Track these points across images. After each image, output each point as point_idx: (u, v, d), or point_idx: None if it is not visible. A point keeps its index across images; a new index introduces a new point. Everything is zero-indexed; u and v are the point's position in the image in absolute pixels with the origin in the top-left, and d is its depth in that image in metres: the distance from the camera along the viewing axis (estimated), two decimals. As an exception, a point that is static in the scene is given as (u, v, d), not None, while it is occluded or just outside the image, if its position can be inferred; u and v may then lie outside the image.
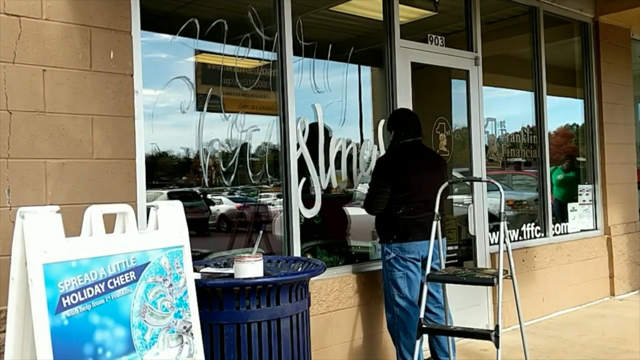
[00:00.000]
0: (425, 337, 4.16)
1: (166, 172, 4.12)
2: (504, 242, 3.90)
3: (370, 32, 5.22)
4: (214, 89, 4.08)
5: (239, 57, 4.18)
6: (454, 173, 5.70)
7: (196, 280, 2.70)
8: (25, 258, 2.10)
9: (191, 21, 3.94)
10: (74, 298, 2.16)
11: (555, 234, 6.38)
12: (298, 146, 4.29)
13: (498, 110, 6.09)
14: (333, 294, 4.30)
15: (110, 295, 2.27)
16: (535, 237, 6.19)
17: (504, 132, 6.15)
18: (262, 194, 4.42)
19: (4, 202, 2.91)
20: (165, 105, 3.91)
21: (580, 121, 7.07)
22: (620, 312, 6.19)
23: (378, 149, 4.81)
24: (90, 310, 2.20)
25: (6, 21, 2.95)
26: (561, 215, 6.61)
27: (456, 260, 5.42)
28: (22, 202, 2.88)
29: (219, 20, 4.07)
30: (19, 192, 2.94)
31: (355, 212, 4.89)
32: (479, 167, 5.57)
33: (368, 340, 4.50)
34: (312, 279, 3.48)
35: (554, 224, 6.39)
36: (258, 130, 4.26)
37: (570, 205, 6.70)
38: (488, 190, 5.54)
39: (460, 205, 5.70)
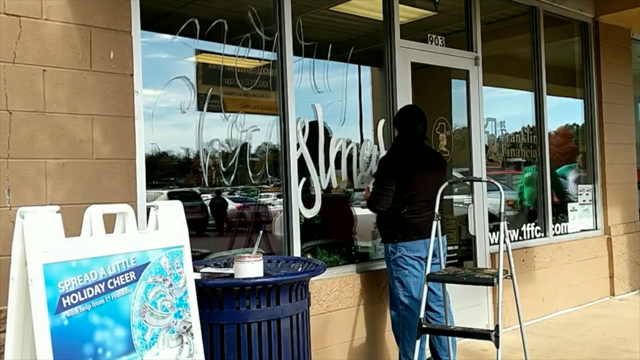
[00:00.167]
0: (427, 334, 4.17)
1: (166, 172, 4.11)
2: (504, 242, 3.91)
3: (370, 32, 5.22)
4: (214, 89, 4.08)
5: (239, 57, 4.18)
6: (454, 173, 5.70)
7: (196, 280, 2.70)
8: (25, 258, 2.10)
9: (191, 21, 3.94)
10: (74, 298, 2.16)
11: (555, 234, 6.38)
12: (298, 146, 4.29)
13: (498, 110, 6.09)
14: (333, 294, 4.30)
15: (110, 295, 2.28)
16: (535, 237, 6.20)
17: (504, 132, 6.15)
18: (262, 194, 4.42)
19: (4, 202, 2.91)
20: (165, 105, 3.91)
21: (580, 121, 7.07)
22: (620, 312, 6.19)
23: (378, 149, 4.81)
24: (90, 310, 2.20)
25: (6, 21, 2.95)
26: (529, 219, 6.37)
27: (456, 260, 5.42)
28: (22, 202, 2.88)
29: (219, 20, 4.07)
30: (19, 192, 2.94)
31: (355, 212, 4.89)
32: (479, 167, 5.57)
33: (368, 340, 4.50)
34: (312, 279, 3.47)
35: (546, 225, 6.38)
36: (258, 130, 4.26)
37: (570, 205, 6.70)
38: (488, 191, 5.54)
39: (460, 205, 5.70)
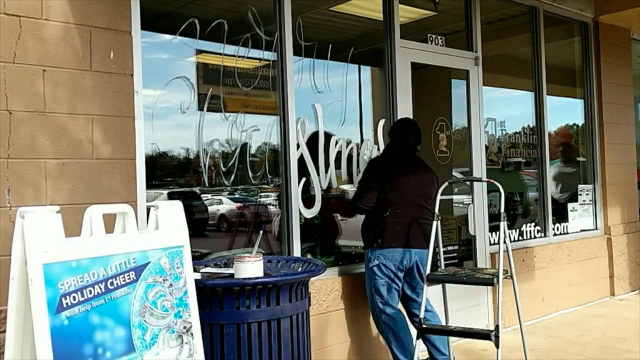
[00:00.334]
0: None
1: (166, 172, 4.11)
2: (504, 242, 3.91)
3: (370, 32, 5.22)
4: (214, 88, 4.08)
5: (239, 57, 4.18)
6: (454, 173, 5.70)
7: (196, 280, 2.70)
8: (25, 258, 2.10)
9: (191, 21, 3.94)
10: (74, 298, 2.16)
11: (555, 234, 6.38)
12: (298, 146, 4.29)
13: (498, 110, 6.09)
14: (333, 293, 4.30)
15: (110, 295, 2.28)
16: (535, 237, 6.19)
17: (504, 132, 6.15)
18: (262, 194, 4.42)
19: (4, 202, 2.91)
20: (165, 105, 3.91)
21: (580, 121, 7.07)
22: (620, 312, 6.19)
23: (378, 149, 4.81)
24: (90, 310, 2.20)
25: (6, 21, 2.95)
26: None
27: (456, 260, 5.42)
28: (22, 202, 2.88)
29: (219, 20, 4.07)
30: (19, 192, 2.94)
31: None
32: (479, 167, 5.57)
33: (368, 340, 4.50)
34: (312, 279, 3.48)
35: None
36: (258, 130, 4.26)
37: (570, 205, 6.69)
38: (488, 191, 5.54)
39: (460, 205, 5.70)
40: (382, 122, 4.85)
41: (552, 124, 6.59)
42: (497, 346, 3.64)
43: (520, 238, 6.07)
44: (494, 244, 5.53)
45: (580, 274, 6.43)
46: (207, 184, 4.07)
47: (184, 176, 4.25)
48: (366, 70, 5.16)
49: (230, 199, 4.48)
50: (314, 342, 3.59)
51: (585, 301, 6.46)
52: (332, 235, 4.82)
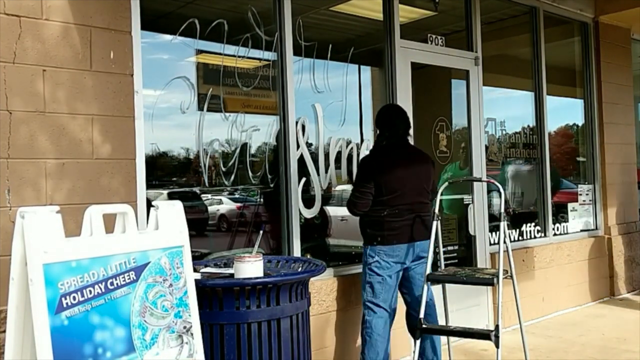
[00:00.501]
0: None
1: (166, 172, 4.12)
2: (504, 242, 3.91)
3: (370, 32, 5.22)
4: (214, 89, 4.08)
5: (239, 57, 4.18)
6: (454, 173, 5.70)
7: (196, 280, 2.70)
8: (25, 258, 2.10)
9: (191, 21, 3.94)
10: (74, 298, 2.16)
11: (555, 234, 6.38)
12: (298, 146, 4.29)
13: (498, 110, 6.09)
14: (333, 293, 4.30)
15: (110, 296, 2.27)
16: (535, 237, 6.19)
17: (504, 132, 6.15)
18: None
19: (4, 202, 2.91)
20: (165, 105, 3.91)
21: (580, 121, 7.07)
22: (620, 312, 6.19)
23: (378, 149, 4.80)
24: (90, 311, 2.20)
25: (6, 21, 2.95)
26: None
27: (456, 260, 5.42)
28: (22, 202, 2.88)
29: (219, 20, 4.07)
30: (19, 192, 2.94)
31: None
32: (479, 167, 5.57)
33: (368, 340, 4.50)
34: (312, 279, 3.48)
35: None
36: (258, 130, 4.26)
37: (570, 205, 6.69)
38: (488, 191, 5.54)
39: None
40: (382, 122, 4.84)
41: (552, 124, 6.59)
42: (497, 346, 3.64)
43: (520, 238, 6.07)
44: (494, 244, 5.53)
45: (580, 274, 6.43)
46: (207, 184, 4.07)
47: (184, 176, 4.25)
48: (366, 70, 5.16)
49: (230, 199, 4.48)
50: (314, 342, 3.59)
51: (585, 301, 6.47)
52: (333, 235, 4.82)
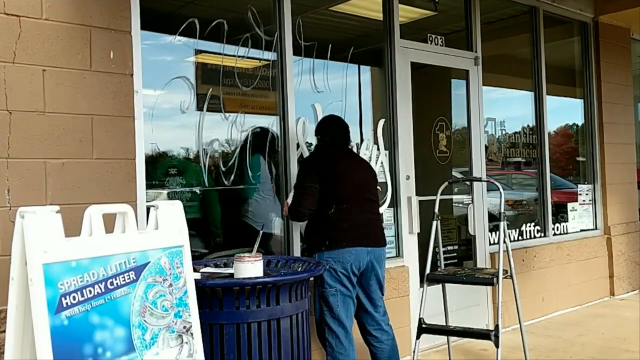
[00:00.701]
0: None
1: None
2: (504, 242, 3.91)
3: (370, 32, 5.22)
4: (214, 89, 4.08)
5: (239, 57, 4.18)
6: (454, 173, 5.70)
7: (196, 281, 2.70)
8: (26, 258, 2.10)
9: (191, 21, 3.94)
10: (74, 298, 2.16)
11: (555, 234, 6.38)
12: (298, 146, 4.29)
13: (498, 110, 6.09)
14: (333, 294, 4.29)
15: (111, 296, 2.27)
16: (535, 237, 6.20)
17: (504, 132, 6.15)
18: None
19: (4, 202, 2.91)
20: (165, 106, 3.92)
21: (580, 121, 7.07)
22: (620, 312, 6.19)
23: (378, 149, 4.81)
24: (91, 311, 2.20)
25: (6, 21, 2.95)
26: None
27: (456, 260, 5.43)
28: (22, 202, 2.88)
29: (219, 20, 4.07)
30: (19, 192, 2.94)
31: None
32: (479, 167, 5.57)
33: (368, 340, 4.49)
34: (312, 279, 3.48)
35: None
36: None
37: (570, 205, 6.70)
38: (488, 191, 5.55)
39: (460, 205, 5.70)
40: (382, 122, 4.85)
41: (552, 124, 6.60)
42: (497, 346, 3.65)
43: (520, 238, 6.07)
44: (494, 244, 5.53)
45: (580, 274, 6.43)
46: (207, 184, 4.07)
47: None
48: (366, 71, 5.16)
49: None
50: (314, 342, 3.58)
51: (585, 301, 6.47)
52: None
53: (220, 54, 4.11)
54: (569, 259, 6.33)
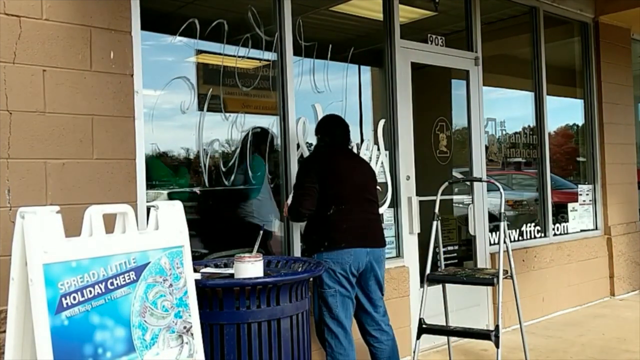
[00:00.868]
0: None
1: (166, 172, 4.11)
2: (504, 242, 3.91)
3: (370, 32, 5.22)
4: (214, 89, 4.08)
5: (239, 57, 4.18)
6: (454, 173, 5.71)
7: (196, 281, 2.70)
8: (25, 258, 2.10)
9: (191, 21, 3.94)
10: (74, 298, 2.16)
11: (555, 234, 6.38)
12: (298, 146, 4.29)
13: (498, 110, 6.09)
14: (333, 294, 4.29)
15: (111, 296, 2.27)
16: (535, 237, 6.20)
17: (504, 132, 6.15)
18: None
19: (4, 202, 2.91)
20: (165, 106, 3.92)
21: (580, 121, 7.07)
22: (620, 312, 6.19)
23: (378, 149, 4.81)
24: (91, 311, 2.20)
25: (6, 21, 2.95)
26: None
27: (456, 260, 5.43)
28: (22, 202, 2.88)
29: (219, 20, 4.07)
30: (19, 192, 2.94)
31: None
32: (479, 167, 5.57)
33: (368, 340, 4.49)
34: (312, 279, 3.48)
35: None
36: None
37: (570, 205, 6.70)
38: (488, 190, 5.55)
39: (460, 205, 5.71)
40: (382, 122, 4.85)
41: (552, 124, 6.60)
42: (497, 346, 3.65)
43: (520, 238, 6.07)
44: (494, 244, 5.53)
45: (581, 274, 6.43)
46: (207, 184, 4.07)
47: (184, 176, 4.24)
48: (366, 71, 5.16)
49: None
50: (314, 342, 3.58)
51: (585, 301, 6.47)
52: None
53: (220, 54, 4.11)
54: (569, 259, 6.33)
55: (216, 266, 3.48)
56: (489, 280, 3.85)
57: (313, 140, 4.26)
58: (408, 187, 4.89)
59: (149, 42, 3.74)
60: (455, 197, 5.69)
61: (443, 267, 4.40)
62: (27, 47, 3.01)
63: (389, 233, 4.70)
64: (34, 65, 3.02)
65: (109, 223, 2.39)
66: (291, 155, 4.23)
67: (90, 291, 2.21)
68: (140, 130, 3.44)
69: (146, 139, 3.53)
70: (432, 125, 5.44)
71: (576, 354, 4.85)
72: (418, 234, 4.88)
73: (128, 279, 2.34)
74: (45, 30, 3.06)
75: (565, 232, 6.55)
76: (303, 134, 4.34)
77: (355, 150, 4.68)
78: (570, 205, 6.70)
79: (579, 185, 6.88)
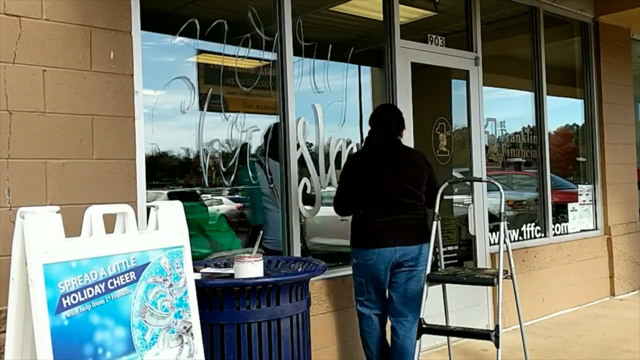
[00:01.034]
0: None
1: (166, 172, 4.12)
2: (504, 242, 3.91)
3: (370, 32, 5.22)
4: (214, 89, 4.08)
5: (239, 57, 4.18)
6: (454, 173, 5.70)
7: (196, 281, 2.70)
8: (25, 258, 2.10)
9: (191, 21, 3.94)
10: (74, 298, 2.16)
11: (555, 234, 6.38)
12: (298, 146, 4.29)
13: (498, 110, 6.09)
14: (333, 293, 4.30)
15: (111, 296, 2.28)
16: (535, 237, 6.20)
17: (504, 132, 6.15)
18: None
19: (4, 202, 2.91)
20: (165, 106, 3.92)
21: (580, 121, 7.07)
22: (620, 312, 6.19)
23: (378, 149, 4.80)
24: (91, 311, 2.20)
25: (6, 21, 2.95)
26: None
27: (456, 260, 5.42)
28: (22, 202, 2.88)
29: (219, 20, 4.07)
30: (19, 192, 2.95)
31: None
32: (479, 167, 5.57)
33: (368, 340, 4.50)
34: (312, 279, 3.48)
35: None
36: (258, 131, 4.26)
37: (570, 205, 6.70)
38: (488, 190, 5.55)
39: (460, 205, 5.70)
40: (382, 122, 4.84)
41: (552, 124, 6.60)
42: (497, 346, 3.64)
43: (520, 238, 6.07)
44: (494, 244, 5.53)
45: (581, 274, 6.43)
46: (207, 184, 4.07)
47: (184, 176, 4.25)
48: (366, 71, 5.16)
49: (230, 199, 4.48)
50: (314, 342, 3.58)
51: (585, 301, 6.47)
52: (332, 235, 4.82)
53: (220, 54, 4.11)
54: (569, 259, 6.33)
55: (216, 266, 3.48)
56: (489, 280, 3.84)
57: (314, 140, 4.28)
58: (408, 187, 4.88)
59: (149, 42, 3.74)
60: (455, 197, 5.69)
61: (443, 267, 4.39)
62: (27, 47, 3.01)
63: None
64: (34, 65, 3.02)
65: (109, 223, 2.39)
66: (291, 155, 4.23)
67: (90, 291, 2.21)
68: (140, 131, 3.44)
69: (146, 139, 3.52)
70: (432, 125, 5.44)
71: (576, 354, 4.85)
72: (418, 234, 4.87)
73: (128, 279, 2.34)
74: (45, 30, 3.06)
75: (565, 232, 6.55)
76: (303, 134, 4.34)
77: (356, 150, 4.68)
78: (570, 205, 6.70)
79: (579, 185, 6.88)
